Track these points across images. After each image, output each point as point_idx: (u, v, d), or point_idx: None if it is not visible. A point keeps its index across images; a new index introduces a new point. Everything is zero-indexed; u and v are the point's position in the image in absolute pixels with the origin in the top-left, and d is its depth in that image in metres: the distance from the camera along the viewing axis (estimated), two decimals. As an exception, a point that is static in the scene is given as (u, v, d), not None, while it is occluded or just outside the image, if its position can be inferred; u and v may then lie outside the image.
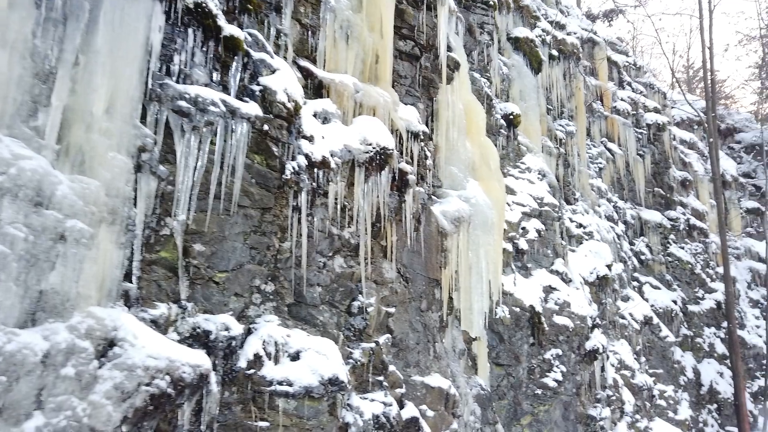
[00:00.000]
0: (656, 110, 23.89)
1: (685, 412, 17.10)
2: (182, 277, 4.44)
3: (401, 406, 5.97)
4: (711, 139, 18.63)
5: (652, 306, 18.49)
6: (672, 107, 29.09)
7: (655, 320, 17.58)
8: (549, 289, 12.98)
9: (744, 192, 30.17)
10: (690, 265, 21.85)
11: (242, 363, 4.55)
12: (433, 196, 7.79)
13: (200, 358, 4.20)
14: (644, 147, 22.71)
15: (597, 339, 13.69)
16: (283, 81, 5.26)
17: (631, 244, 20.14)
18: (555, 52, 18.04)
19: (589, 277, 15.36)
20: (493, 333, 11.29)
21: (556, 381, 12.18)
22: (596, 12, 33.90)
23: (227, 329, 4.52)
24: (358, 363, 5.61)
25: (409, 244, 6.76)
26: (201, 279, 4.60)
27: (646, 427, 15.12)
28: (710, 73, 19.95)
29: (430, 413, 6.40)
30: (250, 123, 4.93)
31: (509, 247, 12.50)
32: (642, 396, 15.42)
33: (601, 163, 20.33)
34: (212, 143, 4.70)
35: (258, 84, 5.17)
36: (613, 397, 14.13)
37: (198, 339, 4.40)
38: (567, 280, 13.83)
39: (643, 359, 16.50)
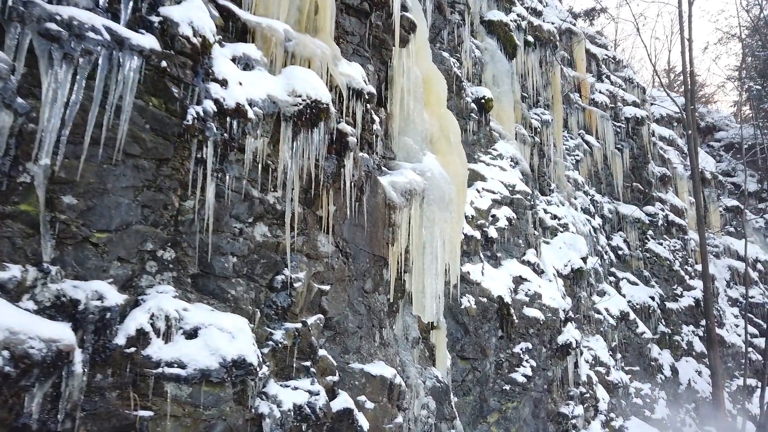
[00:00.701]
0: (635, 104, 23.43)
1: (662, 410, 16.53)
2: (45, 235, 3.64)
3: (333, 395, 5.20)
4: (690, 131, 18.13)
5: (629, 302, 17.94)
6: (652, 104, 28.72)
7: (632, 316, 17.01)
8: (519, 280, 12.30)
9: (723, 190, 29.89)
10: (668, 262, 21.37)
11: (120, 340, 3.75)
12: (384, 167, 7.05)
13: (58, 332, 3.41)
14: (623, 141, 22.22)
15: (570, 333, 13.04)
16: (189, 12, 4.48)
17: (609, 238, 19.59)
18: (531, 39, 17.43)
19: (564, 269, 14.73)
20: (458, 324, 10.57)
21: (525, 376, 11.49)
22: (578, 11, 33.49)
23: (101, 298, 3.72)
24: (280, 345, 4.84)
25: (350, 216, 6.01)
26: (72, 239, 3.80)
27: (621, 426, 14.50)
28: (690, 64, 19.48)
29: (369, 405, 5.64)
30: (143, 57, 4.15)
31: (477, 234, 11.81)
32: (617, 394, 14.80)
33: (578, 155, 19.77)
34: (92, 78, 3.91)
35: (158, 15, 4.39)
36: (587, 395, 13.49)
37: (63, 310, 3.60)
38: (539, 272, 13.17)
39: (618, 356, 15.90)
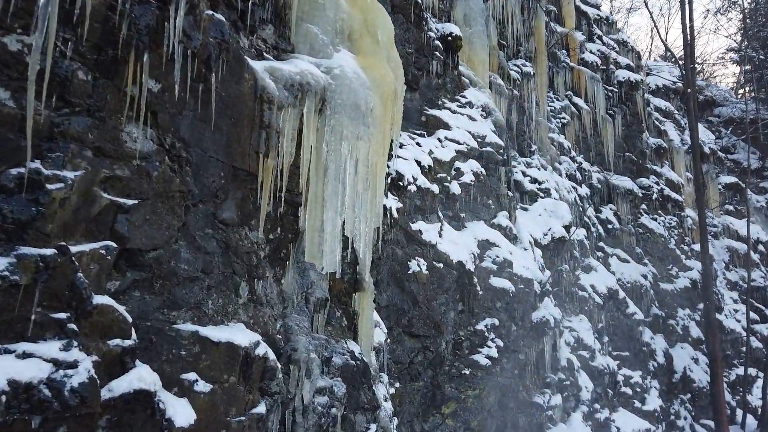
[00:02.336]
0: (629, 68, 21.39)
1: (654, 401, 14.63)
2: None
3: (122, 369, 3.20)
4: (689, 89, 16.14)
5: (618, 280, 15.99)
6: (648, 74, 26.69)
7: (622, 294, 15.07)
8: (486, 245, 10.32)
9: (722, 167, 27.94)
10: (663, 239, 19.44)
11: None
12: (267, 55, 5.02)
13: None
14: (615, 107, 20.20)
15: (547, 310, 11.09)
16: None
17: (597, 210, 17.62)
18: (511, -20, 15.36)
19: (543, 238, 12.76)
20: (404, 293, 8.58)
21: (490, 358, 9.54)
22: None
23: None
24: (5, 283, 2.83)
25: (193, 106, 4.00)
26: None
27: (607, 418, 12.59)
28: (690, 18, 17.47)
29: (203, 386, 3.65)
30: None
31: (435, 188, 9.80)
32: (603, 382, 12.88)
33: (564, 118, 17.75)
34: None
35: None
36: (567, 382, 11.55)
37: None
38: (512, 237, 11.18)
39: (605, 339, 13.97)
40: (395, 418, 7.57)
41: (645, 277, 17.01)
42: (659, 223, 19.67)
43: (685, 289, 19.38)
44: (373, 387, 5.95)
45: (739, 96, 33.04)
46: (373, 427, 5.69)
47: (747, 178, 24.88)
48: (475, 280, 9.66)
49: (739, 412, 18.47)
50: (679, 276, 19.71)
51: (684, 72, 16.62)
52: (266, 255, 4.73)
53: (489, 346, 9.59)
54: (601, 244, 16.53)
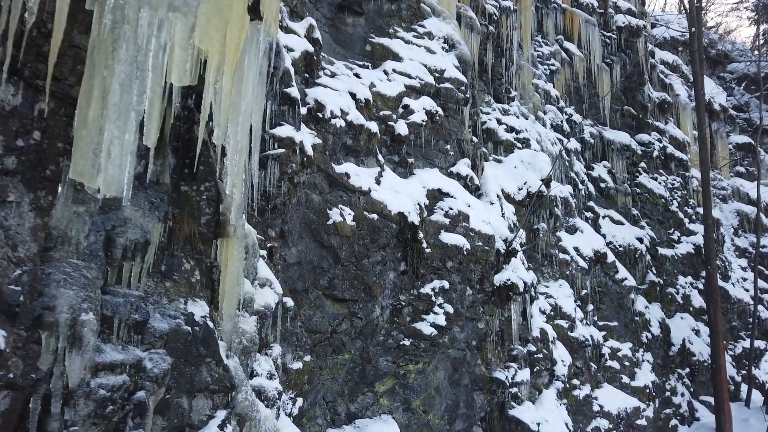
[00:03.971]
0: (631, 13, 19.42)
1: (645, 377, 13.12)
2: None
3: None
4: (693, 29, 14.26)
5: (609, 243, 14.38)
6: (654, 24, 24.64)
7: (611, 258, 13.46)
8: (438, 195, 8.76)
9: (734, 126, 25.93)
10: (663, 201, 17.69)
11: None
12: None
13: None
14: (613, 55, 18.30)
15: (516, 273, 9.55)
16: None
17: (589, 168, 15.93)
18: None
19: (517, 194, 11.17)
20: (322, 248, 7.08)
21: (436, 327, 8.05)
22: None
23: None
24: None
25: None
26: None
27: (588, 395, 11.12)
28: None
29: None
30: None
31: (373, 127, 8.22)
32: (584, 355, 11.38)
33: (553, 65, 15.96)
34: None
35: None
36: (539, 355, 10.07)
37: None
38: (473, 189, 9.61)
39: (590, 307, 12.43)
40: (299, 399, 6.15)
41: (640, 240, 15.37)
42: (660, 183, 17.91)
43: (688, 256, 17.69)
44: (230, 361, 4.49)
45: (755, 53, 30.76)
46: (222, 414, 4.24)
47: (758, 137, 22.92)
48: (421, 235, 8.12)
49: (744, 388, 16.90)
50: (681, 241, 18.00)
51: (688, 8, 14.70)
52: (14, 170, 3.21)
53: (436, 313, 8.10)
54: (591, 203, 14.87)
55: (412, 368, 7.91)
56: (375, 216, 7.64)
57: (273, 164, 6.20)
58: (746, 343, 18.35)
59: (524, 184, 11.41)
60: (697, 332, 16.39)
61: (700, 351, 15.93)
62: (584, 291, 12.33)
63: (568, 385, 10.60)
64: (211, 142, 4.91)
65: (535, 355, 10.04)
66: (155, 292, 4.16)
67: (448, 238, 8.49)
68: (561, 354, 10.63)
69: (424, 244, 8.16)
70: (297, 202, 6.77)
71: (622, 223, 15.54)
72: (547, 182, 11.76)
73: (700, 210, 18.94)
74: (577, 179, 14.32)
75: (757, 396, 16.48)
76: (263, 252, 5.97)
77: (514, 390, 9.24)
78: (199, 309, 4.30)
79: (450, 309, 8.25)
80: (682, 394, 15.05)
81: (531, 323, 10.24)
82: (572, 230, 13.02)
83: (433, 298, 8.15)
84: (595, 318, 12.55)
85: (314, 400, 6.75)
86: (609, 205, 15.88)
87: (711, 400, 14.85)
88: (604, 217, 15.15)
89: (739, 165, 24.17)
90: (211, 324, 4.30)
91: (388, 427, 7.11)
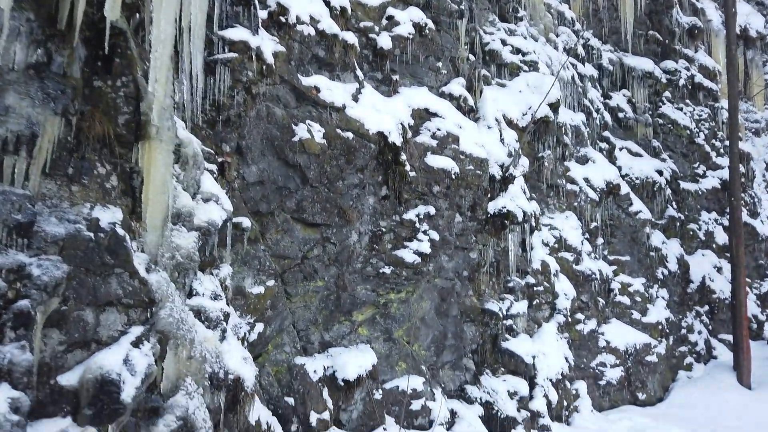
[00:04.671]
0: (659, -73, 17.79)
1: (659, 313, 12.50)
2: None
3: None
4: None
5: (625, 175, 13.54)
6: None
7: (625, 190, 12.66)
8: (424, 115, 8.10)
9: (772, 55, 24.15)
10: (689, 132, 16.58)
11: None
12: None
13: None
14: (638, -27, 16.88)
15: (515, 201, 8.93)
16: None
17: (607, 96, 14.92)
18: None
19: (521, 119, 10.40)
20: (288, 167, 6.56)
21: (420, 254, 7.55)
22: None
23: None
24: None
25: None
26: None
27: (593, 330, 10.61)
28: None
29: None
30: None
31: (351, 38, 7.52)
32: (590, 289, 10.81)
33: (569, -17, 14.76)
34: None
35: None
36: (539, 288, 9.54)
37: None
38: (466, 110, 8.91)
39: (600, 241, 11.76)
40: (259, 325, 5.76)
41: (660, 172, 14.45)
42: (685, 114, 16.75)
43: (713, 191, 16.67)
44: (153, 274, 4.06)
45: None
46: (137, 330, 3.83)
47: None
48: (404, 157, 7.52)
49: (767, 327, 16.20)
50: (706, 175, 16.95)
51: None
52: None
53: (420, 240, 7.58)
54: (607, 134, 13.95)
55: (394, 297, 7.47)
56: (350, 135, 7.05)
57: (223, 70, 5.63)
58: (773, 282, 17.48)
59: (529, 109, 10.60)
60: (719, 269, 15.59)
61: (722, 288, 15.18)
62: (594, 224, 11.64)
63: (570, 319, 10.08)
64: (131, 31, 4.36)
65: (535, 288, 9.51)
66: (56, 195, 3.71)
67: (435, 160, 7.87)
68: (564, 287, 10.08)
69: (408, 167, 7.57)
70: (257, 115, 6.21)
71: (641, 155, 14.61)
72: (555, 107, 10.93)
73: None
74: (591, 107, 13.39)
75: (780, 336, 15.76)
76: (211, 166, 5.47)
77: (509, 322, 8.77)
78: (108, 215, 3.84)
79: (436, 236, 7.71)
80: (699, 332, 14.43)
81: (531, 255, 9.67)
82: (583, 160, 12.22)
83: (417, 225, 7.62)
84: (605, 252, 11.90)
85: (281, 326, 6.37)
86: (627, 136, 14.92)
87: (731, 338, 14.21)
88: (621, 149, 14.24)
89: (775, 96, 22.60)
90: (121, 232, 3.85)
91: (363, 356, 6.73)
